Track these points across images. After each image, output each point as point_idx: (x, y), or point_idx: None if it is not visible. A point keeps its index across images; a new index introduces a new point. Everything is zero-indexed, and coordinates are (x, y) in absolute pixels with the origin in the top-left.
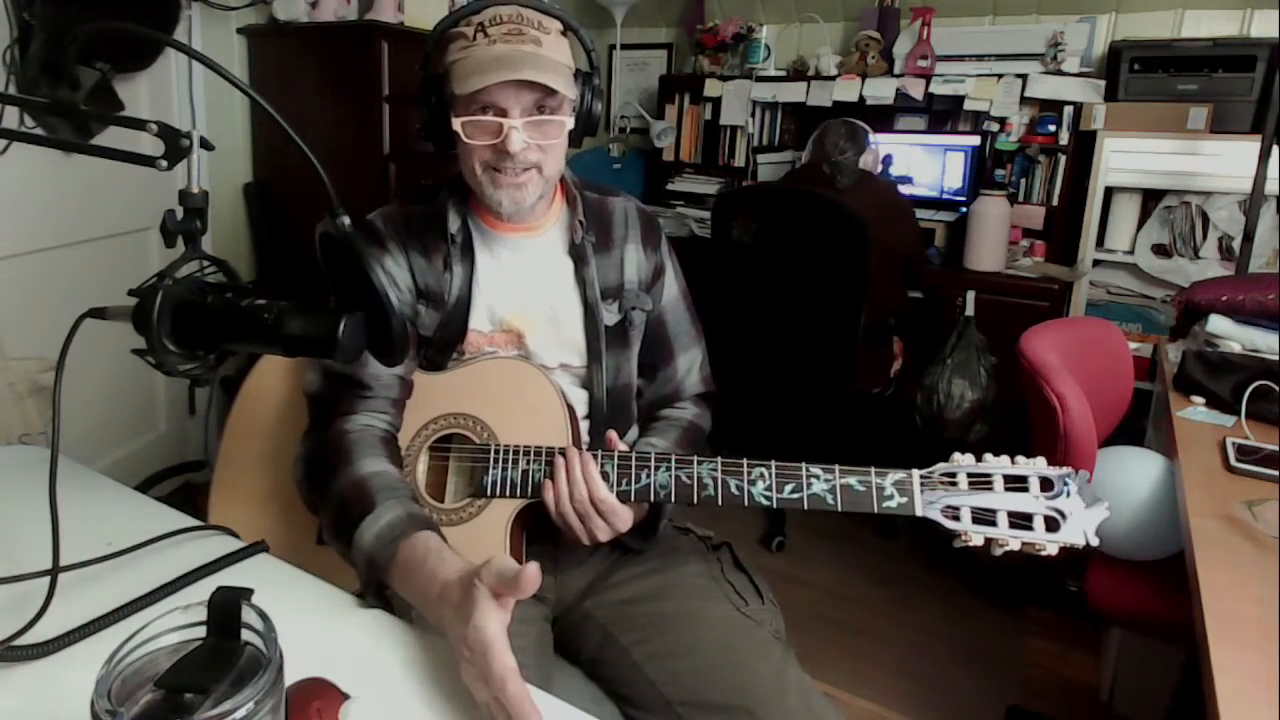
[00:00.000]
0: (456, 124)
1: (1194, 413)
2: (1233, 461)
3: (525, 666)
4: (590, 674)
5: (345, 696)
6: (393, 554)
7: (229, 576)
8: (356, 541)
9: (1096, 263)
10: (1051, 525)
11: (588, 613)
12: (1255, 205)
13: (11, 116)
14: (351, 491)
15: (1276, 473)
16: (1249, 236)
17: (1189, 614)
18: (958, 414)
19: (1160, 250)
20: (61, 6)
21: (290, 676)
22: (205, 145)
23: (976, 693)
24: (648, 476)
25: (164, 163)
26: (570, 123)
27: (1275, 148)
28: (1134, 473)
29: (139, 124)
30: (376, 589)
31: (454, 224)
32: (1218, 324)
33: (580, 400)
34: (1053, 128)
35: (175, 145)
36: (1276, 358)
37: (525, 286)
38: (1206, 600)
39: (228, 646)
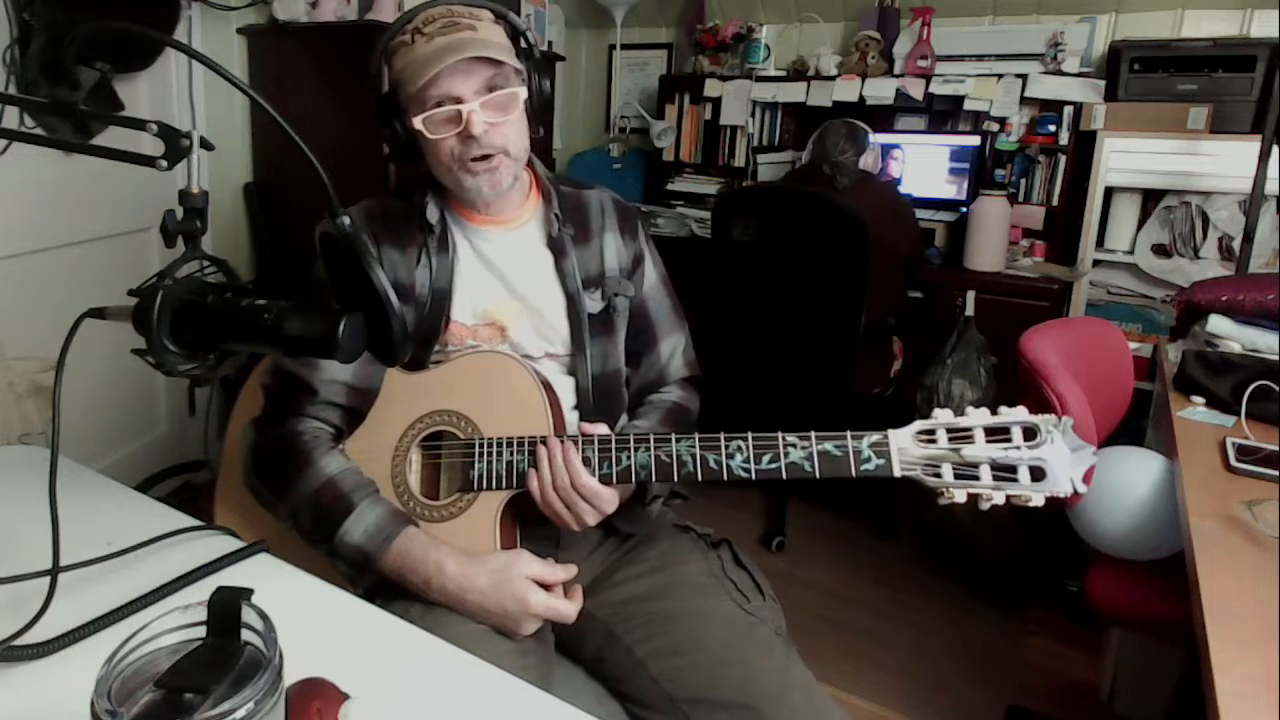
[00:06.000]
0: (417, 122)
1: (1194, 413)
2: (1233, 461)
3: (526, 668)
4: (592, 673)
5: (345, 696)
6: (389, 547)
7: (229, 576)
8: (343, 539)
9: (1096, 263)
10: (1037, 475)
11: (589, 612)
12: (1255, 205)
13: (11, 116)
14: (327, 493)
15: (1276, 473)
16: (1249, 236)
17: (1189, 614)
18: (956, 411)
19: (1160, 250)
20: (61, 6)
21: (290, 676)
22: (205, 145)
23: (976, 693)
24: (627, 458)
25: (164, 163)
26: (523, 93)
27: (1275, 148)
28: (1134, 473)
29: (139, 124)
30: (359, 573)
31: (433, 215)
32: (1218, 324)
33: (568, 388)
34: (1053, 128)
35: (175, 145)
36: (1276, 358)
37: (506, 279)
38: (1206, 600)
39: (228, 646)
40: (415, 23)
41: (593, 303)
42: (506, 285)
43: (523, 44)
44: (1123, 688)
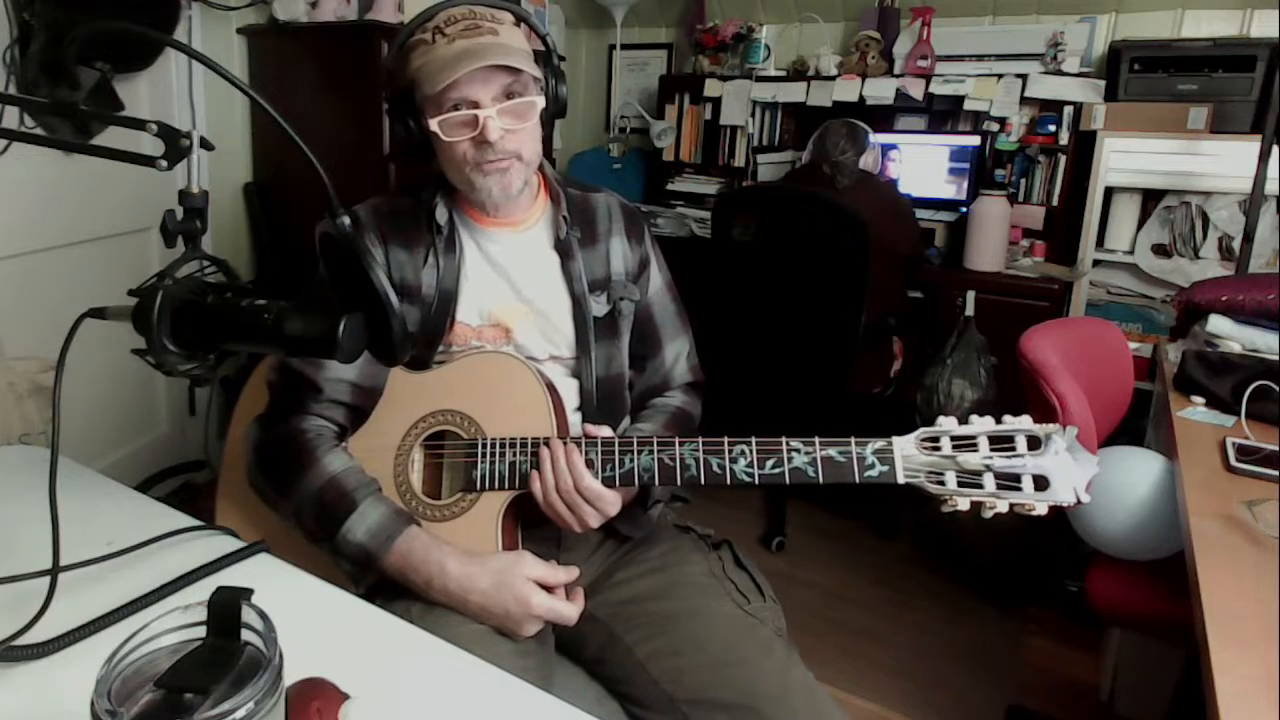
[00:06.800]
0: (433, 124)
1: (1194, 413)
2: (1233, 461)
3: (527, 668)
4: (592, 673)
5: (345, 696)
6: (391, 546)
7: (229, 576)
8: (345, 537)
9: (1096, 263)
10: (1040, 484)
11: (590, 612)
12: (1255, 205)
13: (11, 116)
14: (330, 490)
15: (1276, 473)
16: (1249, 236)
17: (1189, 614)
18: (958, 414)
19: (1160, 250)
20: (61, 6)
21: (290, 676)
22: (205, 145)
23: (976, 693)
24: (631, 461)
25: (164, 163)
26: (541, 102)
27: (1275, 148)
28: (1134, 473)
29: (139, 124)
30: (361, 572)
31: (441, 215)
32: (1218, 324)
33: (572, 391)
34: (1053, 128)
35: (175, 145)
36: (1276, 358)
37: (512, 280)
38: (1206, 600)
39: (228, 646)
40: (436, 21)
41: (598, 306)
42: (513, 287)
43: (540, 47)
44: (1123, 688)
